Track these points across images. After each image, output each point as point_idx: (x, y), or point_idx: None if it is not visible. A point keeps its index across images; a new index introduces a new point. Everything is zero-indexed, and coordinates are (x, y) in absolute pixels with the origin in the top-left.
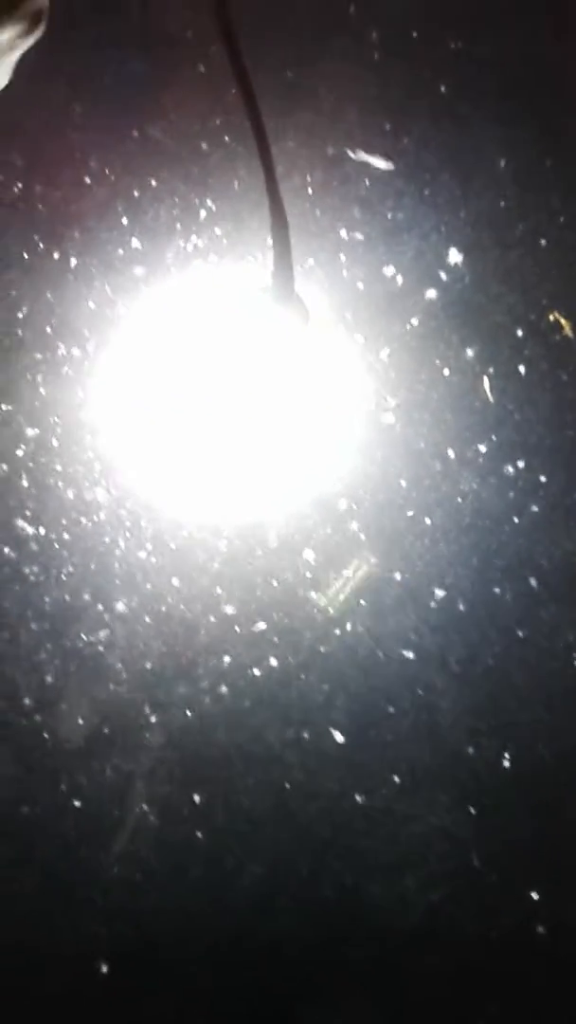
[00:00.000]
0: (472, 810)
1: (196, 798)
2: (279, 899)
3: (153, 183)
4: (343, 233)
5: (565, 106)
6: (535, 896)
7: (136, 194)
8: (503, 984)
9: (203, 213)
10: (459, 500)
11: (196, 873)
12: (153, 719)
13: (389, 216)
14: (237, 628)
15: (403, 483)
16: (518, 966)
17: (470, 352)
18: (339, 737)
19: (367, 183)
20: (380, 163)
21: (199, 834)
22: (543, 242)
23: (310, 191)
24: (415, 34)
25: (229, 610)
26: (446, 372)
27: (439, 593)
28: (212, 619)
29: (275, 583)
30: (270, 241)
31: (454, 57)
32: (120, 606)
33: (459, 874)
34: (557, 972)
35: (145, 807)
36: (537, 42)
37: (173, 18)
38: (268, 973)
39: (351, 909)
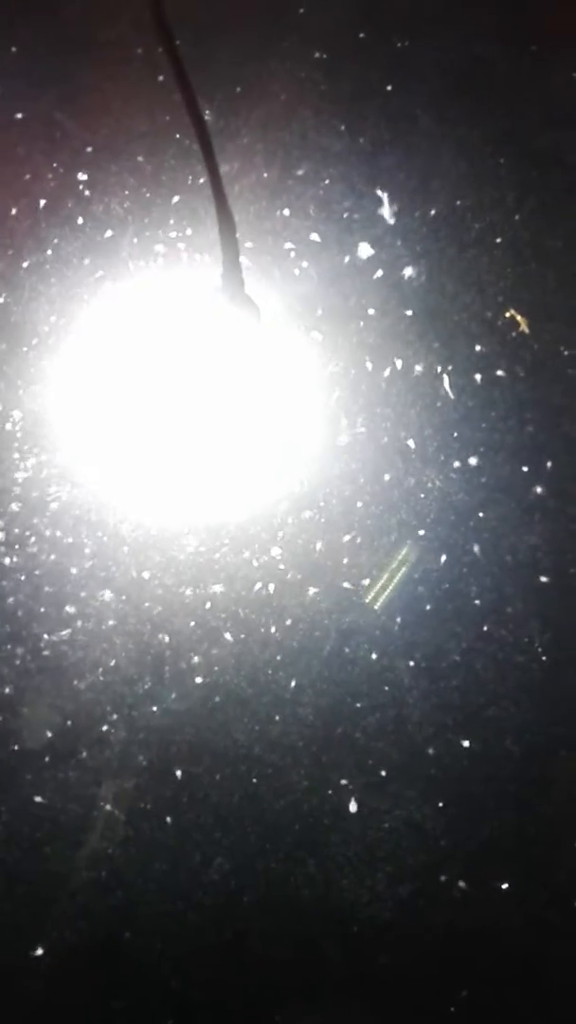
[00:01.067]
0: (440, 804)
1: (163, 794)
2: (248, 894)
3: (101, 185)
4: (300, 232)
5: (516, 105)
6: (505, 887)
7: (87, 193)
8: (474, 975)
9: (154, 213)
10: (422, 496)
11: (163, 869)
12: (119, 716)
13: (345, 216)
14: (203, 625)
15: (363, 479)
16: (489, 958)
17: (429, 350)
18: (306, 733)
19: (325, 182)
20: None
21: (166, 830)
22: (498, 240)
23: (265, 190)
24: (362, 35)
25: (195, 608)
26: (405, 369)
27: (404, 592)
28: (177, 617)
29: (240, 581)
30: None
31: (402, 57)
32: (83, 605)
33: (428, 868)
34: (528, 963)
35: (111, 804)
36: (486, 42)
37: (115, 23)
38: (237, 968)
39: (320, 904)
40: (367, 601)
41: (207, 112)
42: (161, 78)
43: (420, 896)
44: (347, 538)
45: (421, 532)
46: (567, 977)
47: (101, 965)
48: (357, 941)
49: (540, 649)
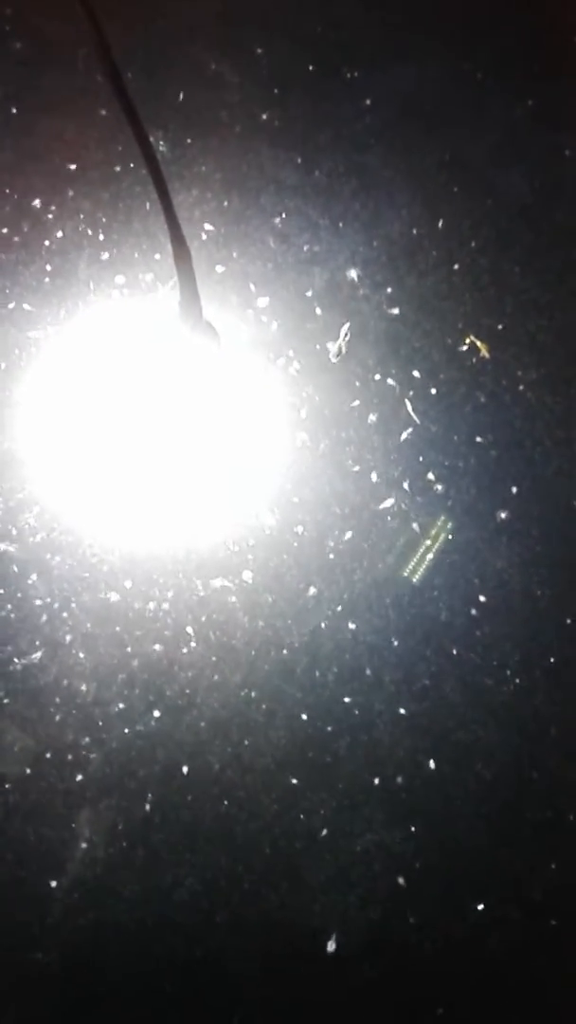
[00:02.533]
0: (412, 828)
1: (135, 816)
2: (219, 915)
3: (58, 213)
4: (259, 259)
5: (469, 133)
6: (480, 908)
7: (49, 217)
8: (450, 995)
9: (114, 240)
10: (388, 519)
11: (134, 890)
12: (90, 739)
13: (305, 248)
14: (173, 649)
15: (332, 503)
16: (465, 978)
17: (390, 376)
18: (278, 755)
19: (282, 215)
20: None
21: (138, 851)
22: (456, 267)
23: (224, 216)
24: (311, 67)
25: (165, 632)
26: (367, 395)
27: (374, 614)
28: (148, 641)
29: (211, 605)
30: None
31: (353, 88)
32: (53, 630)
33: (400, 891)
34: (505, 982)
35: (83, 826)
36: (436, 71)
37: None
38: (207, 990)
39: (292, 926)
40: (334, 624)
41: (160, 143)
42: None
43: (392, 918)
44: (317, 563)
45: (389, 557)
46: (546, 995)
47: (72, 984)
48: (329, 963)
49: (509, 672)
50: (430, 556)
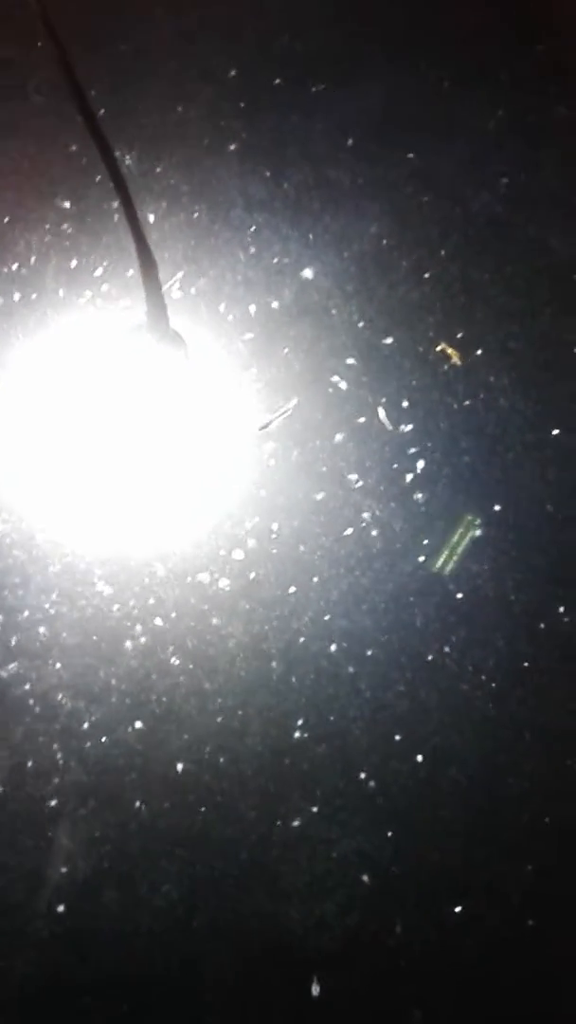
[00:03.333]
0: (388, 833)
1: (111, 822)
2: (196, 922)
3: (23, 226)
4: (230, 269)
5: (437, 144)
6: (458, 911)
7: (15, 230)
8: (429, 1000)
9: (80, 253)
10: (363, 526)
11: (111, 897)
12: (67, 748)
13: (275, 261)
14: (149, 656)
15: (305, 511)
16: (443, 982)
17: (361, 385)
18: (254, 762)
19: (252, 229)
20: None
21: (115, 859)
22: (426, 276)
23: (193, 229)
24: (278, 81)
25: (141, 639)
26: (339, 402)
27: (349, 621)
28: (123, 649)
29: (186, 611)
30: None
31: (319, 101)
32: (28, 639)
33: (378, 896)
34: (484, 986)
35: (60, 833)
36: (401, 81)
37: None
38: (185, 996)
39: (269, 933)
40: (311, 631)
41: (127, 158)
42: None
43: (370, 923)
44: (292, 570)
45: (365, 562)
46: (524, 998)
47: (49, 991)
48: (307, 970)
49: (484, 677)
50: (460, 550)
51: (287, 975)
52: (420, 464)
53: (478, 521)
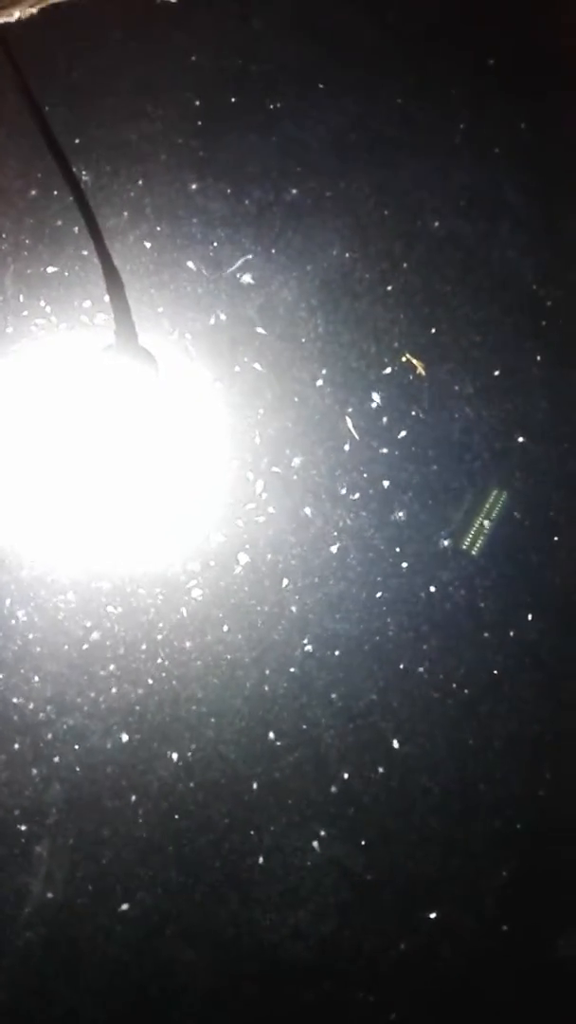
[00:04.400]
0: (362, 842)
1: (86, 829)
2: (169, 929)
3: None
4: (194, 283)
5: (395, 158)
6: (432, 916)
7: None
8: (405, 1006)
9: (41, 272)
10: (335, 534)
11: (85, 903)
12: (41, 756)
13: (238, 276)
14: (125, 665)
15: (275, 520)
16: (419, 988)
17: (327, 396)
18: (228, 770)
19: (214, 244)
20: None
21: (89, 865)
22: (389, 288)
23: (157, 241)
24: (234, 99)
25: (115, 648)
26: (309, 413)
27: (322, 630)
28: (99, 658)
29: (162, 621)
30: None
31: (277, 118)
32: (1, 649)
33: (351, 904)
34: (461, 989)
35: (33, 840)
36: (361, 97)
37: None
38: (158, 1003)
39: (243, 941)
40: (284, 640)
41: (83, 173)
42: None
43: (344, 930)
44: (264, 580)
45: (337, 570)
46: (500, 1001)
47: (23, 998)
48: (281, 976)
49: (455, 686)
50: (485, 530)
51: (262, 982)
52: (389, 473)
53: (504, 496)
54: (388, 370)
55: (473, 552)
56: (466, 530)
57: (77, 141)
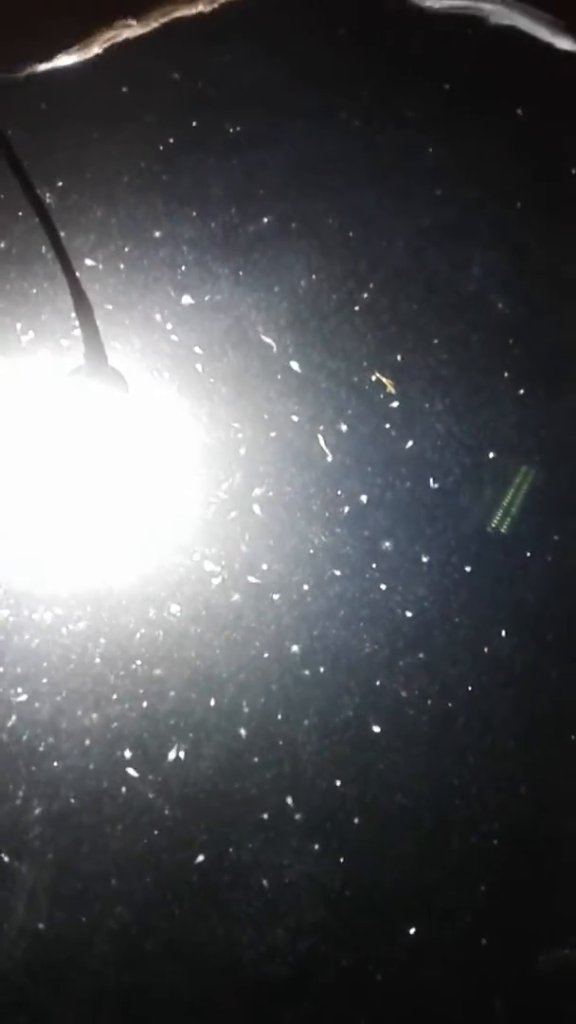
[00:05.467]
0: (340, 859)
1: (64, 844)
2: (148, 944)
3: None
4: (164, 303)
5: (357, 179)
6: (412, 932)
7: None
8: (382, 1022)
9: (11, 295)
10: (310, 552)
11: (62, 918)
12: (18, 771)
13: (207, 298)
14: (102, 680)
15: (251, 538)
16: (398, 1002)
17: (300, 415)
18: (206, 785)
19: (183, 268)
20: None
21: (67, 880)
22: (356, 308)
23: (126, 261)
24: (195, 123)
25: (93, 663)
26: (281, 431)
27: (298, 646)
28: (77, 673)
29: (138, 636)
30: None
31: (239, 141)
32: None
33: (330, 920)
34: (440, 1005)
35: (12, 856)
36: (320, 119)
37: None
38: (137, 1019)
39: (221, 958)
40: (260, 659)
41: (48, 195)
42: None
43: (322, 947)
44: (241, 596)
45: (314, 587)
46: (480, 1017)
47: (0, 1013)
48: (259, 994)
49: (430, 703)
50: (515, 507)
51: (241, 999)
52: (363, 491)
53: (531, 474)
54: (358, 389)
55: (503, 530)
56: (495, 509)
57: (39, 164)
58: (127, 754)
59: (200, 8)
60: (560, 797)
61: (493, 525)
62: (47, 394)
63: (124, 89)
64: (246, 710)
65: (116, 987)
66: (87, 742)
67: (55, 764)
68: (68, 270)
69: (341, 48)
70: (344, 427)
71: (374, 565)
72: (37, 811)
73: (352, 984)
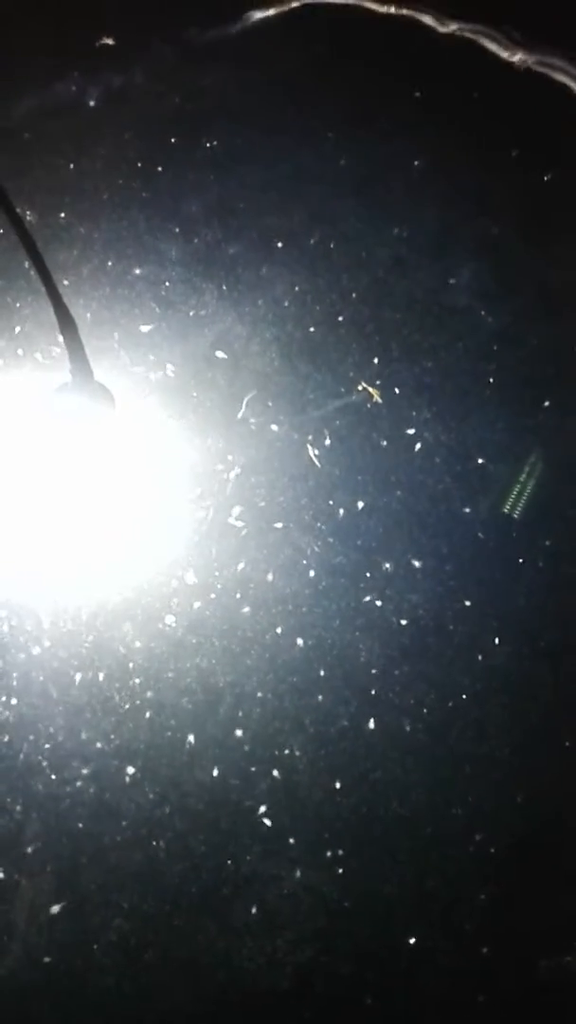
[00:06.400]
0: (340, 870)
1: (62, 854)
2: (148, 956)
3: None
4: (149, 317)
5: (337, 193)
6: (412, 941)
7: None
8: None
9: None
10: (303, 563)
11: (62, 927)
12: (17, 785)
13: (191, 313)
14: (99, 692)
15: (244, 549)
16: (399, 1011)
17: (288, 425)
18: (204, 796)
19: (167, 284)
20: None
21: (66, 892)
22: (340, 319)
23: (108, 276)
24: (174, 140)
25: (91, 674)
26: (271, 443)
27: (294, 655)
28: (73, 684)
29: (136, 647)
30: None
31: (216, 156)
32: None
33: (330, 931)
34: (442, 1013)
35: (12, 868)
36: (295, 131)
37: None
38: None
39: (221, 969)
40: (255, 668)
41: (28, 213)
42: None
43: (322, 957)
44: (236, 607)
45: (309, 597)
46: (481, 1021)
47: None
48: (259, 1005)
49: (425, 711)
50: (526, 494)
51: (241, 1010)
52: (354, 500)
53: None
54: (345, 399)
55: (515, 515)
56: (507, 495)
57: (16, 183)
58: (125, 765)
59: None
60: (557, 804)
61: (506, 509)
62: (34, 410)
63: (98, 110)
64: (242, 720)
65: (115, 999)
66: (85, 754)
67: (53, 777)
68: (51, 288)
69: (316, 61)
70: (333, 439)
71: (368, 574)
72: (36, 824)
73: (352, 994)
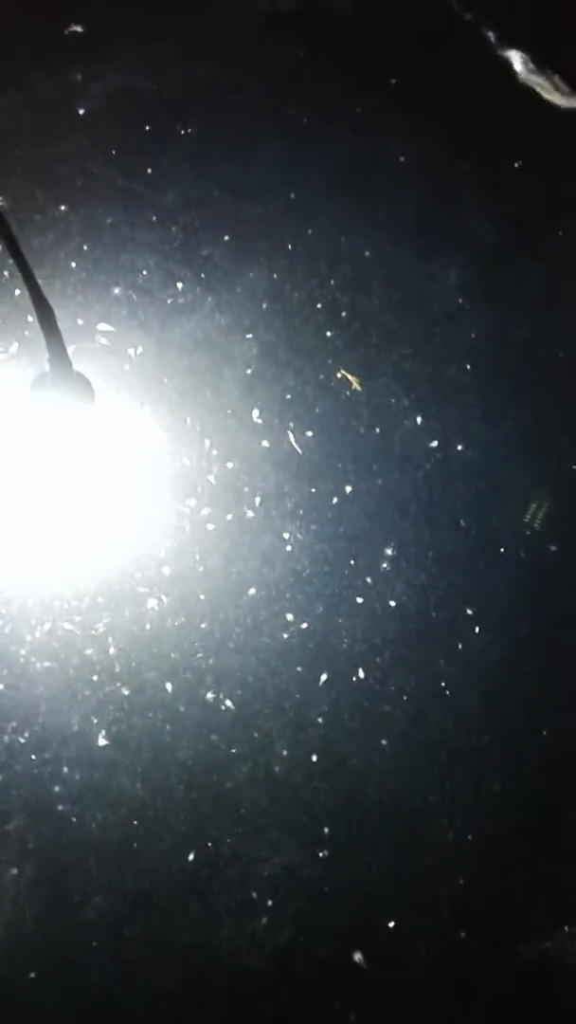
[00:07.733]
0: (320, 854)
1: (43, 834)
2: (126, 934)
3: None
4: (127, 308)
5: (313, 179)
6: (391, 925)
7: None
8: (363, 1015)
9: None
10: (288, 550)
11: (42, 908)
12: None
13: (169, 302)
14: (82, 673)
15: (227, 537)
16: (378, 995)
17: (269, 413)
18: (185, 777)
19: (144, 273)
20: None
21: (46, 869)
22: (319, 306)
23: (87, 263)
24: (148, 128)
25: (74, 657)
26: (249, 433)
27: (275, 641)
28: (56, 667)
29: (119, 631)
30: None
31: (192, 144)
32: None
33: (309, 913)
34: (419, 997)
35: None
36: (270, 122)
37: None
38: (116, 1009)
39: (201, 950)
40: (236, 652)
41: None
42: None
43: (301, 939)
44: (216, 591)
45: (292, 584)
46: (460, 1009)
47: None
48: (238, 987)
49: (406, 698)
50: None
51: (220, 991)
52: (335, 487)
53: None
54: (325, 386)
55: (536, 525)
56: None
57: None
58: (106, 746)
59: None
60: (536, 791)
61: (528, 520)
62: (12, 402)
63: (77, 101)
64: (223, 704)
65: (96, 979)
66: (67, 735)
67: (33, 757)
68: (28, 278)
69: (289, 49)
70: (313, 427)
71: (352, 561)
72: (16, 803)
73: (331, 976)
